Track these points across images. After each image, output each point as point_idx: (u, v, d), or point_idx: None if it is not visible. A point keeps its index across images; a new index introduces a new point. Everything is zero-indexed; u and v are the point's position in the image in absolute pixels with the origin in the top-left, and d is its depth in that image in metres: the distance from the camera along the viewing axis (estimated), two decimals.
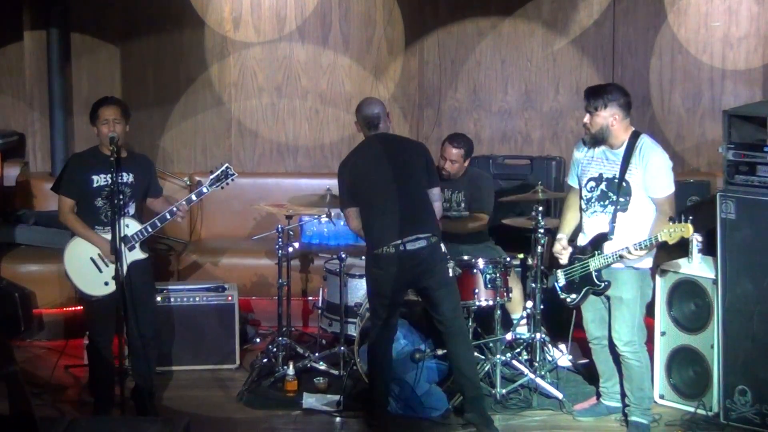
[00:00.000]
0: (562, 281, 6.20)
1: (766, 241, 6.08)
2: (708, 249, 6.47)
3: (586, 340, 6.53)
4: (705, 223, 6.34)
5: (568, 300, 6.22)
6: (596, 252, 6.00)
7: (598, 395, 6.53)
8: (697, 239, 6.46)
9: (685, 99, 8.91)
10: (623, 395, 6.32)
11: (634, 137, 5.99)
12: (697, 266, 6.48)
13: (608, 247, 5.97)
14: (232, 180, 6.39)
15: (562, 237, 6.19)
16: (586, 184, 6.09)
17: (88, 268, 6.24)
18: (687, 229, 5.69)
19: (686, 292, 6.46)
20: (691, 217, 5.71)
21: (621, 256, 5.90)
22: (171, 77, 8.91)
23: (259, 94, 8.94)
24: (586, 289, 6.10)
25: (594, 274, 6.02)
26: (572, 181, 6.27)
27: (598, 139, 6.00)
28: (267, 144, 8.99)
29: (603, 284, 6.02)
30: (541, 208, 6.90)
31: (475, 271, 6.69)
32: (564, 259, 6.15)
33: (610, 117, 5.94)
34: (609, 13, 8.81)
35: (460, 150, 7.24)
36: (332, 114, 8.97)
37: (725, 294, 6.23)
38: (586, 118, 6.00)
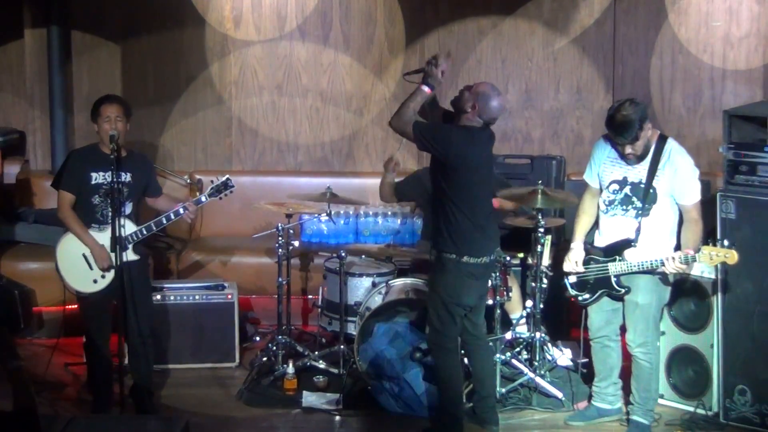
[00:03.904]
0: (573, 278, 6.17)
1: (766, 241, 6.08)
2: None
3: (585, 340, 6.53)
4: (706, 223, 6.34)
5: (580, 299, 6.18)
6: (617, 257, 5.97)
7: (590, 397, 6.46)
8: None
9: (686, 98, 8.90)
10: (623, 398, 6.32)
11: (662, 141, 5.93)
12: (697, 266, 6.47)
13: (630, 254, 5.92)
14: (231, 192, 6.42)
15: (578, 246, 6.12)
16: (608, 186, 6.02)
17: (78, 263, 6.24)
18: (732, 256, 5.65)
19: (686, 291, 6.46)
20: (735, 243, 5.68)
21: (653, 269, 5.84)
22: (171, 75, 8.91)
23: (259, 93, 8.94)
24: (601, 291, 6.07)
25: (613, 278, 5.99)
26: (591, 178, 6.16)
27: (644, 156, 5.92)
28: (267, 142, 8.99)
29: (623, 290, 5.99)
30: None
31: None
32: (570, 267, 6.11)
33: (648, 132, 5.88)
34: (610, 12, 8.80)
35: None
36: (333, 112, 8.96)
37: (725, 294, 6.24)
38: (629, 149, 5.85)
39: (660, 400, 6.55)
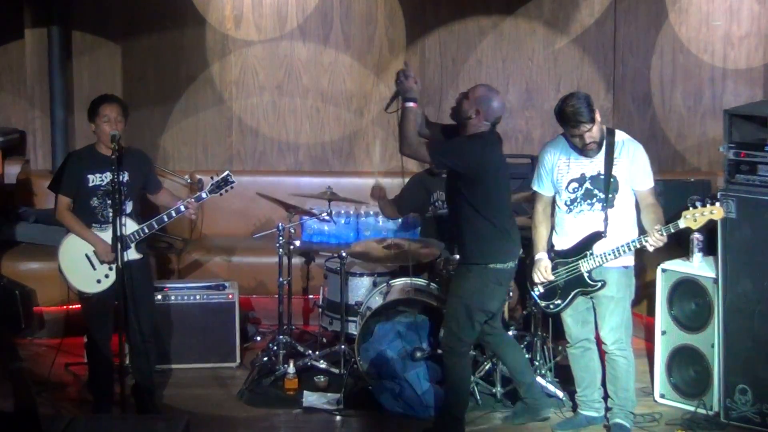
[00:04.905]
0: (539, 289, 6.14)
1: (766, 241, 6.08)
2: (708, 248, 6.47)
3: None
4: (706, 222, 6.34)
5: (551, 307, 6.13)
6: (587, 252, 5.96)
7: (575, 406, 6.41)
8: (697, 238, 6.47)
9: (686, 98, 8.92)
10: (602, 402, 6.30)
11: (611, 133, 5.97)
12: (698, 265, 6.48)
13: (600, 247, 5.92)
14: (231, 188, 6.41)
15: (544, 257, 6.07)
16: (567, 186, 6.00)
17: (82, 264, 6.24)
18: (718, 212, 5.69)
19: (687, 291, 6.47)
20: (717, 200, 5.72)
21: (626, 252, 5.85)
22: (172, 75, 8.91)
23: (260, 93, 8.94)
24: (575, 292, 6.03)
25: (585, 275, 5.98)
26: (541, 187, 6.11)
27: (601, 144, 5.94)
28: (268, 142, 8.99)
29: (598, 284, 5.96)
30: None
31: None
32: (541, 278, 6.06)
33: (599, 117, 5.90)
34: (610, 11, 8.81)
35: None
36: (333, 112, 8.97)
37: (726, 293, 6.24)
38: (589, 138, 5.86)
39: (660, 400, 6.57)
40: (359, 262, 7.40)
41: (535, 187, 6.17)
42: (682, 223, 5.78)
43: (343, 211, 8.24)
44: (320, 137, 8.98)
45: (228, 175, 6.40)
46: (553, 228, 6.12)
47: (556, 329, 7.18)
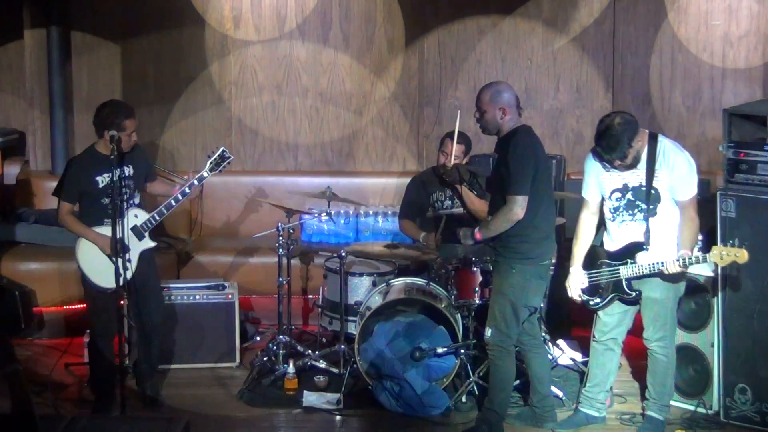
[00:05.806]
0: (585, 283, 6.13)
1: (766, 240, 6.08)
2: (708, 247, 6.45)
3: (586, 338, 6.51)
4: (705, 222, 6.34)
5: (591, 303, 6.14)
6: (628, 260, 5.95)
7: (577, 403, 6.43)
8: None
9: (686, 97, 8.92)
10: (604, 404, 6.32)
11: (653, 140, 5.89)
12: (698, 265, 6.47)
13: (642, 257, 5.89)
14: (229, 163, 6.52)
15: (578, 270, 6.10)
16: (610, 196, 6.00)
17: (100, 260, 6.28)
18: (742, 255, 5.67)
19: (687, 290, 6.45)
20: (746, 243, 5.69)
21: (660, 271, 5.82)
22: (171, 75, 8.91)
23: (259, 93, 8.94)
24: (613, 295, 6.04)
25: (624, 282, 5.98)
26: (588, 193, 6.11)
27: (635, 163, 5.89)
28: (267, 142, 8.98)
29: (634, 293, 5.97)
30: None
31: (474, 269, 6.69)
32: (575, 294, 6.10)
33: (637, 144, 5.84)
34: (609, 11, 8.81)
35: (461, 146, 7.23)
36: (332, 112, 8.96)
37: (725, 292, 6.24)
38: (618, 162, 5.84)
39: None
40: (359, 261, 7.40)
41: (583, 194, 6.16)
42: (709, 258, 5.76)
43: (342, 211, 8.25)
44: (320, 137, 8.98)
45: (223, 150, 6.48)
46: (605, 227, 6.14)
47: (557, 329, 7.22)
